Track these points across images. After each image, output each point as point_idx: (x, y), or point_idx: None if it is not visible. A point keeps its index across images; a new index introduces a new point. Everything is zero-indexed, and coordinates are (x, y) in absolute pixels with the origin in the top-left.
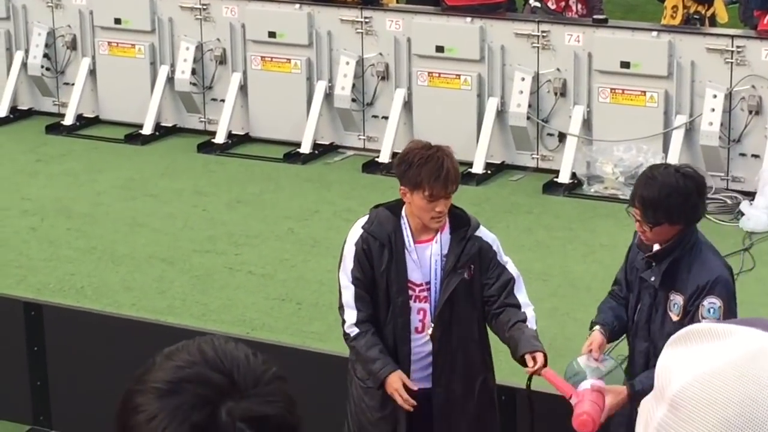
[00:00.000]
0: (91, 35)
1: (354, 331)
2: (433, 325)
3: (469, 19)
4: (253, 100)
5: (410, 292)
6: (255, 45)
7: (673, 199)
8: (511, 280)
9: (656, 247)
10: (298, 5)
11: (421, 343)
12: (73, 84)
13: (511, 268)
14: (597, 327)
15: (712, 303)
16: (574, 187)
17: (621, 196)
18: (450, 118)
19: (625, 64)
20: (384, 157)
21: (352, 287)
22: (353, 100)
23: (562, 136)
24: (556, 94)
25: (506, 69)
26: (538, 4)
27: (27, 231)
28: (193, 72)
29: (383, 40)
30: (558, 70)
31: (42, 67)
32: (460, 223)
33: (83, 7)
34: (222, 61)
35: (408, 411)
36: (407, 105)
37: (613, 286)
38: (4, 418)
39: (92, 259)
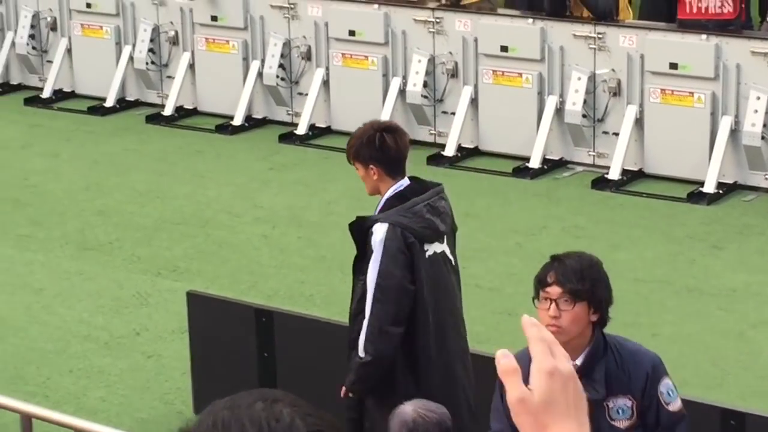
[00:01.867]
0: (325, 46)
1: None
2: None
3: (704, 36)
4: (483, 114)
5: None
6: (487, 59)
7: (594, 271)
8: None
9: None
10: (531, 20)
11: None
12: (306, 94)
13: (370, 275)
14: None
15: (666, 384)
16: None
17: None
18: (682, 135)
19: None
20: (614, 174)
21: None
22: (584, 116)
23: None
24: None
25: (741, 87)
26: None
27: (259, 238)
28: (425, 85)
29: (616, 55)
30: None
31: (277, 77)
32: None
33: (318, 19)
34: (453, 74)
35: None
36: (639, 122)
37: None
38: None
39: (322, 267)
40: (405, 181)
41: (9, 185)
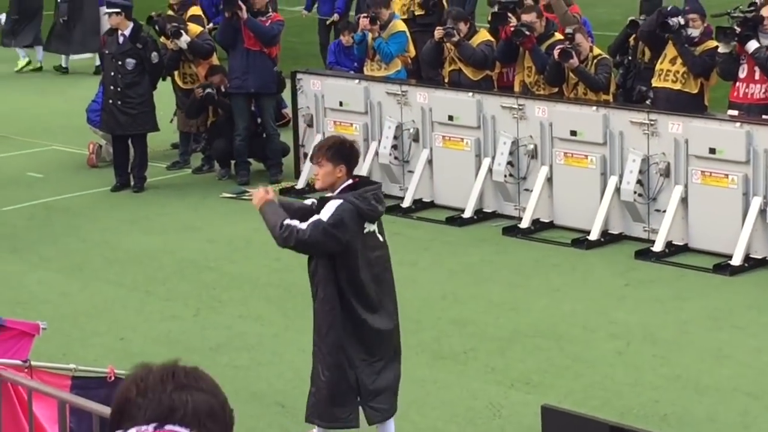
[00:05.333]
0: (685, 163)
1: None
2: None
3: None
4: None
5: None
6: None
7: None
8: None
9: None
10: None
11: None
12: (664, 211)
13: (324, 213)
14: None
15: None
16: None
17: None
18: None
19: None
20: None
21: None
22: None
23: None
24: None
25: None
26: None
27: (613, 354)
28: None
29: None
30: None
31: (635, 192)
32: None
33: (679, 136)
34: None
35: None
36: None
37: None
38: None
39: (676, 387)
40: (359, 178)
41: None
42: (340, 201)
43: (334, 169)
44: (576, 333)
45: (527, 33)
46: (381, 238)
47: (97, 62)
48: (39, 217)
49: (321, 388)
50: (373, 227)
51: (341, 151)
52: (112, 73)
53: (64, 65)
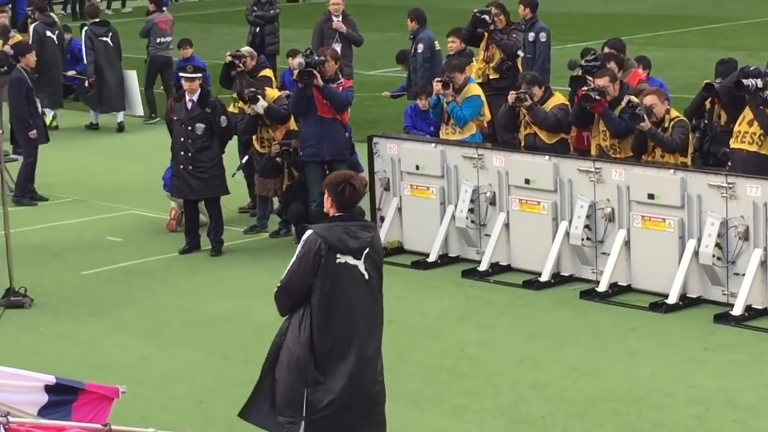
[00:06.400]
0: (764, 228)
1: None
2: None
3: None
4: None
5: None
6: None
7: None
8: None
9: None
10: None
11: None
12: (743, 275)
13: (291, 263)
14: None
15: None
16: None
17: None
18: None
19: None
20: None
21: None
22: None
23: None
24: None
25: None
26: None
27: (692, 420)
28: None
29: None
30: None
31: (713, 256)
32: None
33: (758, 199)
34: None
35: None
36: None
37: None
38: None
39: None
40: (344, 213)
41: (445, 355)
42: (308, 234)
43: (327, 198)
44: (655, 397)
45: (596, 98)
46: (367, 276)
47: (120, 119)
48: (118, 280)
49: None
50: (355, 262)
51: (332, 186)
52: (182, 139)
53: (94, 122)
